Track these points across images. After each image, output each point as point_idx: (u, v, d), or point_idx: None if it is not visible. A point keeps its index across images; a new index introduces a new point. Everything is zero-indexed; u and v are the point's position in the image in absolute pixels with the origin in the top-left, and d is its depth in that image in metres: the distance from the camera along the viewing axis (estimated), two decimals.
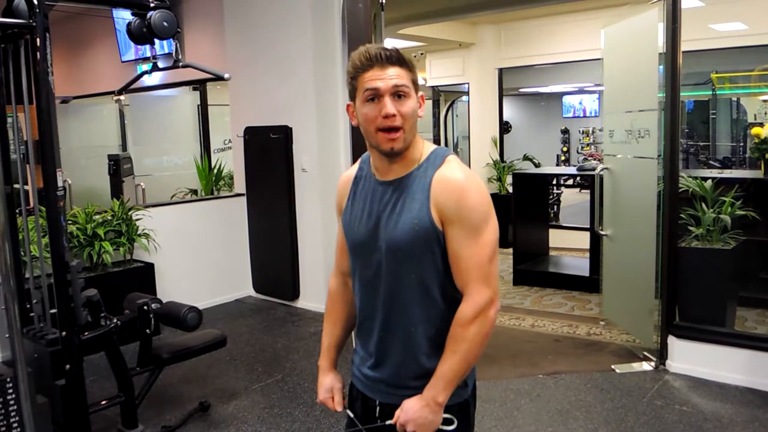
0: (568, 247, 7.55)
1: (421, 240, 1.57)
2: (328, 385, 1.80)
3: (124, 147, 8.08)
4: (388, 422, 1.64)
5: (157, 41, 3.59)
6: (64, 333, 2.88)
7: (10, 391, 2.77)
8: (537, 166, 8.85)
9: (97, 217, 4.92)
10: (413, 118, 1.58)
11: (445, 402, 1.58)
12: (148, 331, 3.49)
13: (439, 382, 1.58)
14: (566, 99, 13.23)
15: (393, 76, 1.55)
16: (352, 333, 1.85)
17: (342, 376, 1.82)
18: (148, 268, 5.14)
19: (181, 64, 3.69)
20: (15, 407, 2.77)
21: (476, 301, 1.56)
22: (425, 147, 1.66)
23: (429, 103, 10.09)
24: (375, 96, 1.55)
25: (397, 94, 1.55)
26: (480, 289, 1.56)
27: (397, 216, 1.60)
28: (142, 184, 7.07)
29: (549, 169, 9.19)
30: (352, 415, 1.75)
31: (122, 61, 8.17)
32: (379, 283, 1.65)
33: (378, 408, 1.71)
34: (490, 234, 1.58)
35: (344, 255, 1.82)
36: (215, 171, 7.31)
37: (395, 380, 1.67)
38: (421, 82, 9.48)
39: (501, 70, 8.55)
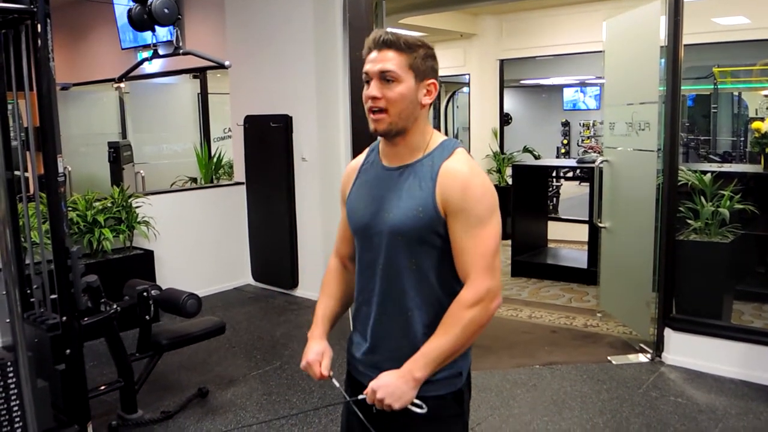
0: (566, 239, 7.56)
1: (423, 227, 1.59)
2: (319, 350, 1.72)
3: (123, 134, 8.08)
4: (361, 396, 1.61)
5: (157, 28, 3.59)
6: (64, 318, 2.89)
7: (11, 375, 2.78)
8: (537, 158, 8.85)
9: (97, 204, 4.93)
10: (402, 103, 1.59)
11: (422, 379, 1.56)
12: (147, 317, 3.51)
13: (421, 358, 1.56)
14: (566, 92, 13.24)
15: (384, 59, 1.58)
16: (350, 318, 1.85)
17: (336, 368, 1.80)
18: (148, 255, 5.15)
19: (181, 51, 3.69)
20: (15, 391, 2.78)
21: (478, 288, 1.56)
22: (434, 136, 1.68)
23: None
24: (367, 79, 1.61)
25: (385, 78, 1.58)
26: (483, 278, 1.56)
27: (402, 201, 1.62)
28: (141, 171, 7.08)
29: (549, 161, 9.18)
30: (338, 385, 1.70)
31: (122, 49, 8.15)
32: (378, 267, 1.67)
33: None
34: (494, 227, 1.59)
35: (344, 241, 1.85)
36: (215, 159, 7.31)
37: (391, 367, 1.65)
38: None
39: (502, 62, 8.52)
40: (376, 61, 1.59)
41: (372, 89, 1.59)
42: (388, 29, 1.62)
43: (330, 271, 1.90)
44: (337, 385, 1.70)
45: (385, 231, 1.63)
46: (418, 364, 1.56)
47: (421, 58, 1.61)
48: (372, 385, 1.57)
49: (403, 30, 7.59)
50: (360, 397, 1.62)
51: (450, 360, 1.60)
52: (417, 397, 1.65)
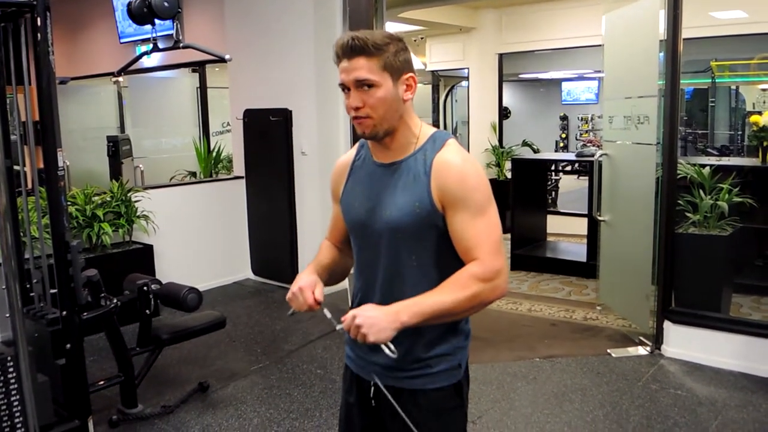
0: (565, 232, 7.56)
1: (422, 222, 1.59)
2: (312, 279, 1.66)
3: (122, 129, 8.05)
4: (338, 327, 1.53)
5: (156, 21, 3.58)
6: (64, 313, 2.89)
7: (11, 370, 2.78)
8: (536, 152, 8.86)
9: (96, 198, 4.92)
10: (384, 106, 1.57)
11: (405, 324, 1.49)
12: (148, 311, 3.51)
13: (414, 306, 1.51)
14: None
15: (357, 68, 1.55)
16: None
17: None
18: (147, 250, 5.15)
19: (181, 45, 3.68)
20: (16, 386, 2.78)
21: (489, 267, 1.54)
22: (423, 129, 1.66)
23: (428, 88, 10.06)
24: (345, 89, 1.59)
25: (362, 85, 1.55)
26: (494, 260, 1.55)
27: (398, 198, 1.61)
28: (140, 165, 7.06)
29: (548, 155, 9.18)
30: (329, 314, 1.60)
31: (121, 42, 8.12)
32: (378, 264, 1.66)
33: (372, 389, 1.72)
34: (494, 214, 1.59)
35: (335, 232, 1.87)
36: (214, 153, 7.30)
37: (391, 362, 1.65)
38: (420, 66, 9.47)
39: (501, 56, 8.52)
40: (349, 70, 1.55)
41: (352, 99, 1.57)
42: (354, 32, 1.56)
43: (323, 246, 1.89)
44: (329, 315, 1.59)
45: (384, 229, 1.63)
46: (409, 310, 1.50)
47: (393, 55, 1.56)
48: (354, 311, 1.50)
49: (402, 24, 7.60)
50: (338, 327, 1.53)
51: (438, 321, 1.56)
52: (417, 391, 1.66)
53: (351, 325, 1.49)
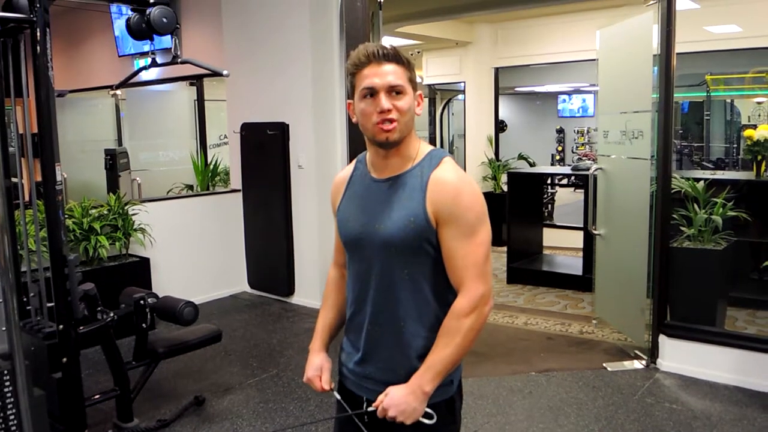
0: (561, 246, 7.59)
1: (415, 237, 1.61)
2: (318, 364, 1.80)
3: (119, 142, 8.07)
4: (370, 408, 1.66)
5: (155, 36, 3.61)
6: (61, 326, 2.90)
7: (8, 383, 2.77)
8: (532, 165, 8.88)
9: (93, 211, 4.92)
10: (409, 114, 1.62)
11: (431, 392, 1.60)
12: (144, 325, 3.51)
13: (428, 372, 1.60)
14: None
15: (389, 73, 1.60)
16: (343, 328, 1.87)
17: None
18: (144, 263, 5.15)
19: (179, 60, 3.70)
20: (12, 399, 2.77)
21: (472, 296, 1.59)
22: (421, 146, 1.69)
23: (425, 102, 10.12)
24: (371, 93, 1.60)
25: (394, 91, 1.60)
26: (476, 285, 1.60)
27: (393, 213, 1.63)
28: (138, 178, 7.07)
29: (544, 168, 9.21)
30: (339, 397, 1.77)
31: (119, 56, 8.16)
32: (371, 278, 1.68)
33: (365, 404, 1.73)
34: (485, 234, 1.62)
35: (341, 252, 1.87)
36: (211, 167, 7.32)
37: (383, 376, 1.69)
38: (417, 80, 9.52)
39: (497, 70, 8.58)
40: (382, 74, 1.59)
41: (383, 102, 1.59)
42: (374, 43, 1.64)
43: (330, 282, 1.93)
44: (339, 397, 1.77)
45: (378, 242, 1.65)
46: (426, 378, 1.60)
47: (412, 70, 1.65)
48: (384, 404, 1.61)
49: (399, 39, 7.64)
50: (370, 409, 1.65)
51: (454, 367, 1.64)
52: None
53: (384, 415, 1.61)
